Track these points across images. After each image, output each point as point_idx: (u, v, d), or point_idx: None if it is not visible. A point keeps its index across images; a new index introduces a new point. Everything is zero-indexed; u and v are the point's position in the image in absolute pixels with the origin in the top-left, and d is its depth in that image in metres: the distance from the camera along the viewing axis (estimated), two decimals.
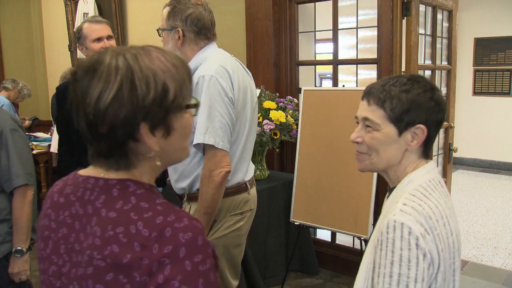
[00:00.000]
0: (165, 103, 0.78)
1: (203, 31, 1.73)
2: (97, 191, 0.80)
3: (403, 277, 0.98)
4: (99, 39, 2.09)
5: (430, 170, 1.15)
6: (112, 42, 2.14)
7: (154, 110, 0.77)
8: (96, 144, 0.80)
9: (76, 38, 2.18)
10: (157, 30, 1.79)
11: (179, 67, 0.82)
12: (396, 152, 1.13)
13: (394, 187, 1.16)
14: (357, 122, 1.20)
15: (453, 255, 1.07)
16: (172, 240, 0.71)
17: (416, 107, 1.10)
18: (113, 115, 0.75)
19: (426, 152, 1.16)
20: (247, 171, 1.83)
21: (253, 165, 1.93)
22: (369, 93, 1.16)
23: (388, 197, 1.20)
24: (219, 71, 1.64)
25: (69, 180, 0.87)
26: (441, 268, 1.02)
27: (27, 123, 5.03)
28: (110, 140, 0.78)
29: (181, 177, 1.78)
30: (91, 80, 0.77)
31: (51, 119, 4.37)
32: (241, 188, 1.80)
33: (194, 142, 1.63)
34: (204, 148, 1.66)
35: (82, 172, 0.86)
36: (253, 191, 1.88)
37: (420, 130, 1.11)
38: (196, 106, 0.86)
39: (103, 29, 2.12)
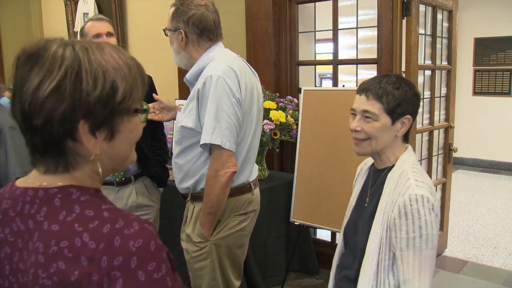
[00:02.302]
0: (111, 103, 0.72)
1: (205, 33, 1.73)
2: (38, 203, 0.73)
3: (429, 235, 1.26)
4: (97, 35, 2.10)
5: (412, 152, 1.45)
6: (112, 40, 2.14)
7: (97, 109, 0.71)
8: (29, 138, 0.73)
9: (79, 37, 2.19)
10: (164, 30, 1.81)
11: (132, 67, 0.76)
12: (388, 138, 1.39)
13: (386, 168, 1.42)
14: (353, 114, 1.42)
15: None
16: (121, 250, 0.66)
17: (405, 101, 1.36)
18: (50, 108, 0.69)
19: (406, 137, 1.45)
20: (251, 171, 1.84)
21: (257, 165, 1.94)
22: (367, 89, 1.37)
23: (381, 175, 1.43)
24: (226, 72, 1.64)
25: (5, 193, 0.79)
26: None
27: None
28: (44, 135, 0.71)
29: (186, 177, 1.79)
30: (32, 67, 0.70)
31: None
32: (245, 188, 1.81)
33: (201, 142, 1.64)
34: (211, 148, 1.66)
35: (20, 182, 0.78)
36: (256, 191, 1.88)
37: (408, 120, 1.39)
38: (146, 112, 0.79)
39: (103, 26, 2.13)
